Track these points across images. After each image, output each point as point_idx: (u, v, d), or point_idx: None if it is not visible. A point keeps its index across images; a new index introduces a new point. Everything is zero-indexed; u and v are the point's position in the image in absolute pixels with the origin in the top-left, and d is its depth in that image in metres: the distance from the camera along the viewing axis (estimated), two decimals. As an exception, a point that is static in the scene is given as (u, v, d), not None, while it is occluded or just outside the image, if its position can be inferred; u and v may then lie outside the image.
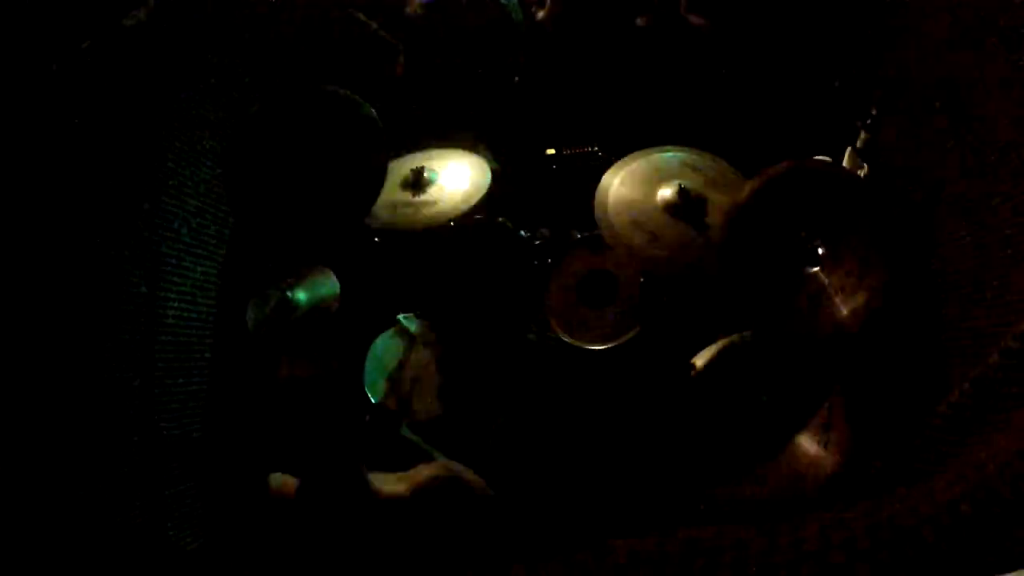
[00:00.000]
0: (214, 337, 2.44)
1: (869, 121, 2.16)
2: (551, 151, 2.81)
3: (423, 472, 1.53)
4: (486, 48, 2.78)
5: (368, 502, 1.45)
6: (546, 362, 2.31)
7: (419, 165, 2.43)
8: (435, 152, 2.54)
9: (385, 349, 2.32)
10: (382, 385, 2.24)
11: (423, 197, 2.38)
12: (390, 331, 2.35)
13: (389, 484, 1.51)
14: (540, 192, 2.76)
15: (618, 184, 2.18)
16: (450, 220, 2.36)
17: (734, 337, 2.06)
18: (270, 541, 1.62)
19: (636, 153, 2.27)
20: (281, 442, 1.46)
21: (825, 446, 1.89)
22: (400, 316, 2.36)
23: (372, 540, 1.42)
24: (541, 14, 2.87)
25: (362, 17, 2.59)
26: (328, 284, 2.37)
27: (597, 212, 2.14)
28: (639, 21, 2.78)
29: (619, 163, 2.26)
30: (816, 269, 1.84)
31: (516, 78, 2.81)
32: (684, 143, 2.29)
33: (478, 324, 2.37)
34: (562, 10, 2.84)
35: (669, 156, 2.25)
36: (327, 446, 1.43)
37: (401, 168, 2.44)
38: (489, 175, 2.42)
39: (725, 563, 0.69)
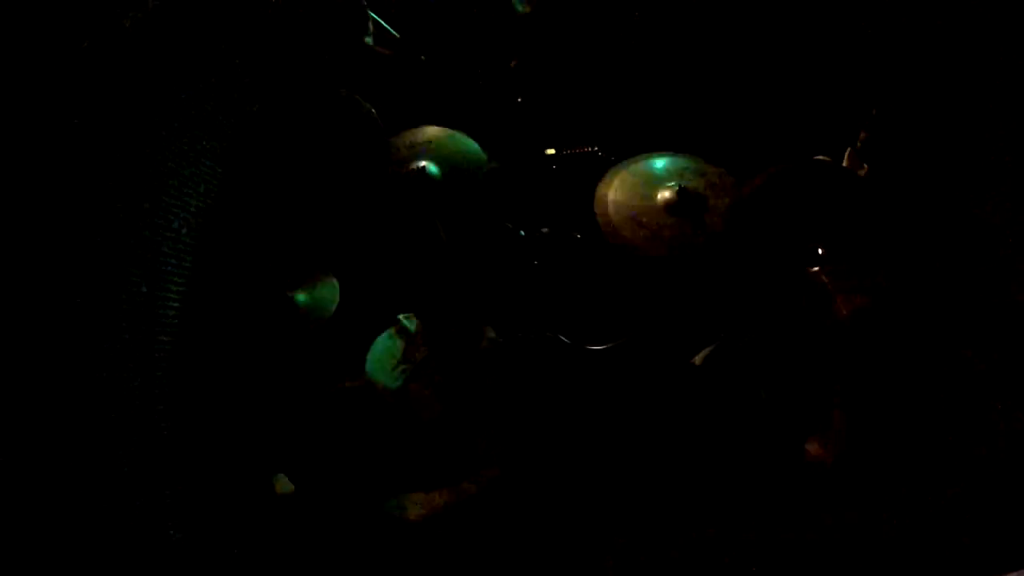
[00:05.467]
0: (214, 337, 2.44)
1: (869, 121, 2.16)
2: (551, 151, 2.81)
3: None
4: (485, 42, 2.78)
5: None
6: (545, 361, 2.31)
7: (419, 166, 2.43)
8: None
9: (385, 349, 2.32)
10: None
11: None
12: (390, 331, 2.35)
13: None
14: (540, 192, 2.76)
15: (615, 190, 2.18)
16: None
17: (734, 337, 2.06)
18: (270, 540, 1.62)
19: (634, 158, 2.27)
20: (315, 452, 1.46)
21: (825, 446, 1.89)
22: (400, 316, 2.36)
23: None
24: (528, 8, 2.88)
25: None
26: (328, 285, 2.37)
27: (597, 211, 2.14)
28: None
29: (616, 166, 2.26)
30: (816, 269, 1.84)
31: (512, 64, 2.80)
32: (684, 144, 2.29)
33: (478, 323, 2.37)
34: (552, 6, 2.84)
35: (668, 159, 2.25)
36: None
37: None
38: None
39: (725, 563, 0.69)
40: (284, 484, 1.57)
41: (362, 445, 1.45)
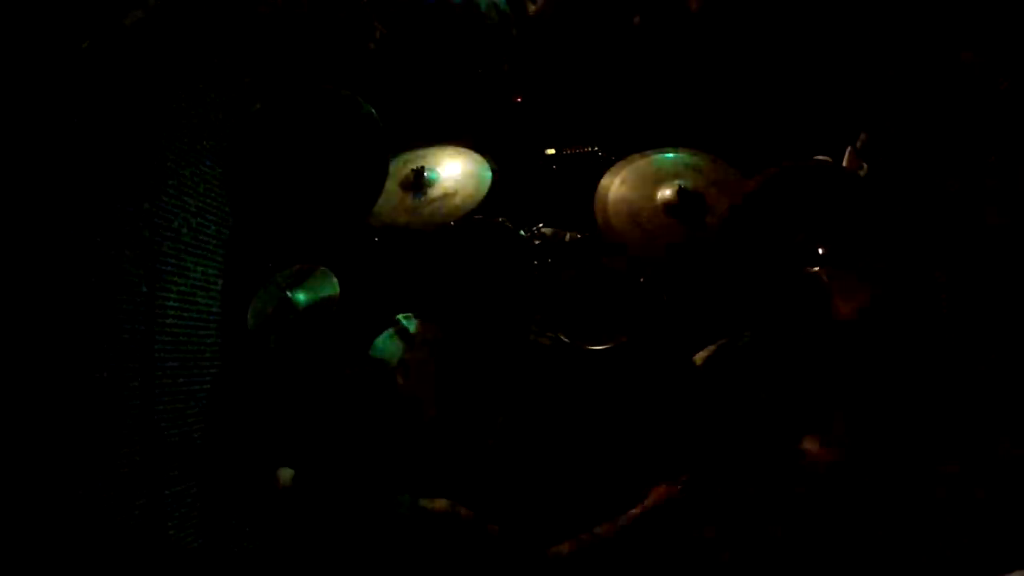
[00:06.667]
0: (215, 337, 2.44)
1: (869, 121, 2.16)
2: (551, 151, 2.81)
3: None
4: (472, 48, 2.79)
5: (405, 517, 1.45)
6: (546, 362, 2.31)
7: (419, 165, 2.43)
8: (433, 152, 2.54)
9: (385, 349, 2.32)
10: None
11: (428, 196, 2.39)
12: (390, 331, 2.35)
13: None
14: (540, 192, 2.76)
15: (618, 184, 2.18)
16: (451, 220, 2.36)
17: (734, 337, 2.06)
18: (271, 539, 1.61)
19: (637, 154, 2.27)
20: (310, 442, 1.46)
21: (825, 445, 1.89)
22: (400, 316, 2.36)
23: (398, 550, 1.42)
24: (532, 7, 2.87)
25: None
26: (328, 284, 2.37)
27: (596, 212, 2.14)
28: (635, 20, 2.78)
29: (619, 163, 2.26)
30: (816, 269, 1.84)
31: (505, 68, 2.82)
32: (684, 143, 2.29)
33: (478, 324, 2.36)
34: (554, 5, 2.84)
35: (669, 156, 2.24)
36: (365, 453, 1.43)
37: (401, 168, 2.44)
38: (489, 172, 2.42)
39: (725, 561, 0.69)
40: (287, 477, 1.57)
41: (368, 434, 1.45)
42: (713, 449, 1.91)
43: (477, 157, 2.50)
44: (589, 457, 2.19)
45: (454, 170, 2.46)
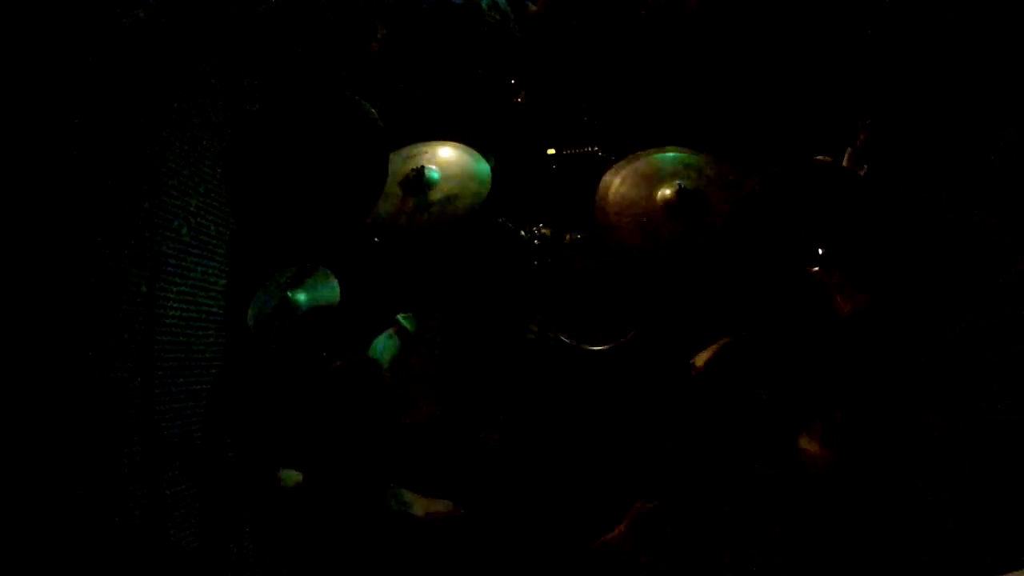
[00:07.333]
0: (215, 336, 2.44)
1: (869, 121, 2.16)
2: (551, 151, 2.80)
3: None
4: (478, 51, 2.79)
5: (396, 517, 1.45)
6: (546, 361, 2.31)
7: (419, 165, 2.42)
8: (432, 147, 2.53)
9: (385, 349, 2.32)
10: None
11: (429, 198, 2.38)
12: (389, 331, 2.35)
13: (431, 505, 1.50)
14: (540, 192, 2.76)
15: (618, 183, 2.18)
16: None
17: (734, 337, 2.05)
18: (272, 539, 1.61)
19: (636, 153, 2.27)
20: (310, 439, 1.46)
21: (825, 445, 1.89)
22: (399, 316, 2.36)
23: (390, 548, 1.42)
24: (533, 8, 2.87)
25: None
26: (328, 284, 2.37)
27: (597, 211, 2.14)
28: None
29: (620, 163, 2.26)
30: (816, 269, 1.84)
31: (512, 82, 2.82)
32: (684, 143, 2.29)
33: (478, 324, 2.37)
34: (554, 6, 2.84)
35: (669, 156, 2.24)
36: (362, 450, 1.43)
37: (401, 167, 2.43)
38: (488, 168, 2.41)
39: (725, 563, 0.69)
40: (291, 477, 1.57)
41: (360, 428, 1.45)
42: (708, 450, 1.91)
43: (476, 155, 2.49)
44: (586, 457, 2.19)
45: (453, 170, 2.44)
